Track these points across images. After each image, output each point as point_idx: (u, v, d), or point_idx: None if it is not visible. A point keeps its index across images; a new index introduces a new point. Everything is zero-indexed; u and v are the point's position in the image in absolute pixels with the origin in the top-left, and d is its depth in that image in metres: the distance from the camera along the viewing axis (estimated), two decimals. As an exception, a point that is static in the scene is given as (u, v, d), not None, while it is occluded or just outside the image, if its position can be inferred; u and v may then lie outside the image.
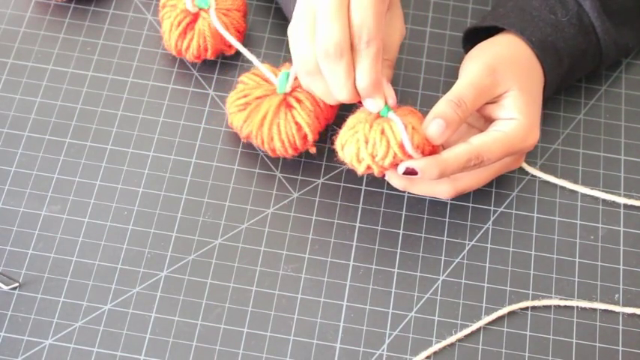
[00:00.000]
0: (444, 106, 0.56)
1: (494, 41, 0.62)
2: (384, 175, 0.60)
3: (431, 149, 0.57)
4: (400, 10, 0.61)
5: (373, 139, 0.56)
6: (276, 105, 0.62)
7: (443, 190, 0.60)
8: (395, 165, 0.57)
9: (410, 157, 0.56)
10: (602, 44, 0.64)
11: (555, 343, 0.60)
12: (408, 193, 0.64)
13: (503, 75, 0.58)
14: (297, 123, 0.62)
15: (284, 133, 0.61)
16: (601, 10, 0.62)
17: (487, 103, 0.59)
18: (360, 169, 0.58)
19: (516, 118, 0.58)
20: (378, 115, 0.57)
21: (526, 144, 0.59)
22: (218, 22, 0.65)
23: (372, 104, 0.56)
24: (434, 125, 0.56)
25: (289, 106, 0.62)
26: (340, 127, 0.59)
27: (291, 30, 0.57)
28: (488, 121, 0.60)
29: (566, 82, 0.66)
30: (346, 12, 0.53)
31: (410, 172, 0.56)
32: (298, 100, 0.62)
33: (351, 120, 0.59)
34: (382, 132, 0.56)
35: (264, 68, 0.63)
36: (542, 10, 0.62)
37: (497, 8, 0.64)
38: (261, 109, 0.62)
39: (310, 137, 0.62)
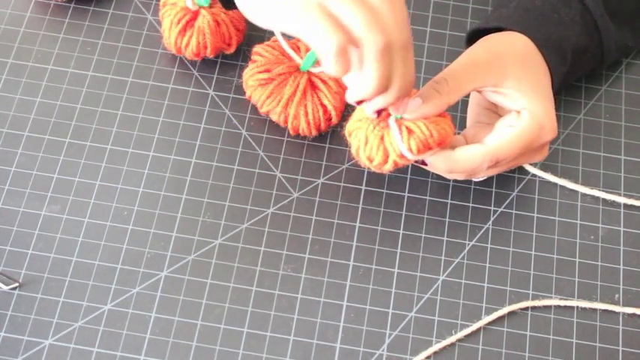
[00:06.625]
0: (425, 86, 0.57)
1: (496, 35, 0.62)
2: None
3: (438, 144, 0.57)
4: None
5: (371, 145, 0.57)
6: (303, 86, 0.63)
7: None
8: (396, 165, 0.58)
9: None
10: (605, 43, 0.64)
11: (555, 343, 0.60)
12: (408, 193, 0.65)
13: (502, 61, 0.58)
14: (323, 105, 0.63)
15: (311, 115, 0.63)
16: (603, 9, 0.62)
17: (493, 93, 0.59)
18: (360, 163, 0.60)
19: (525, 107, 0.57)
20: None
21: (542, 138, 0.58)
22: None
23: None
24: (412, 103, 0.56)
25: (315, 87, 0.63)
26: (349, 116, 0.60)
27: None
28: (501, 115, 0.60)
29: (567, 81, 0.66)
30: None
31: (420, 163, 0.59)
32: (323, 81, 0.63)
33: (359, 109, 0.59)
34: (381, 139, 0.57)
35: (284, 43, 0.63)
36: (546, 9, 0.62)
37: (500, 9, 0.64)
38: (287, 89, 0.63)
39: (335, 119, 0.64)
